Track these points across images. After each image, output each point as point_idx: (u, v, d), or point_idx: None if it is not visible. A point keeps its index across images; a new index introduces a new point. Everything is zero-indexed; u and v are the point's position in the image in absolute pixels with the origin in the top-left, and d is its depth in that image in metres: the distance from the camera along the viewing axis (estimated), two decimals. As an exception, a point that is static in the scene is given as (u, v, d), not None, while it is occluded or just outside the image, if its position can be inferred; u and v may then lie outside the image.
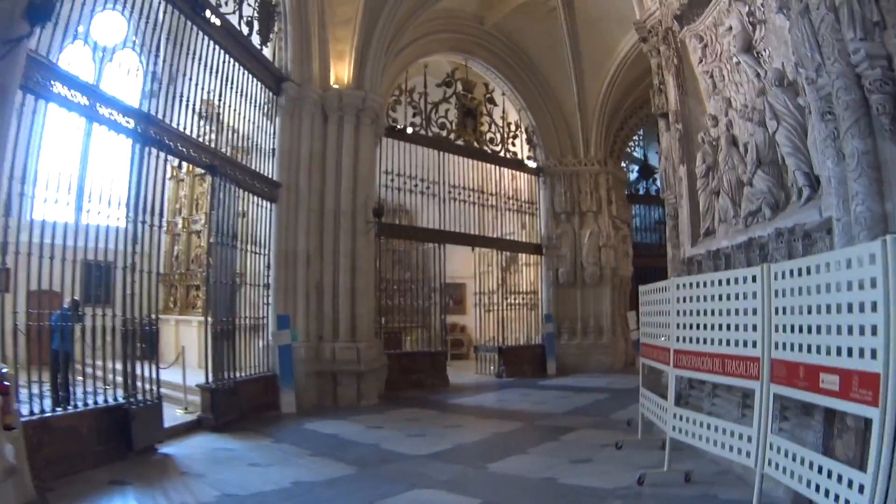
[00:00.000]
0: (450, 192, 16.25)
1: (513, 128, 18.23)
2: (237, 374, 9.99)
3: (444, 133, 16.24)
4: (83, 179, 7.34)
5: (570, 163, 18.31)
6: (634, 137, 20.59)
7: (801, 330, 4.09)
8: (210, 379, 9.27)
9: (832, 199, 4.90)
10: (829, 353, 3.72)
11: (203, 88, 9.67)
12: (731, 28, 7.76)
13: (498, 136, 17.75)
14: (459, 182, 16.60)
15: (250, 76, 10.93)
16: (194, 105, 9.40)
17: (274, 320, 11.21)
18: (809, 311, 3.99)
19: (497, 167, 17.78)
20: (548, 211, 18.38)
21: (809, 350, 3.95)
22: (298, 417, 10.31)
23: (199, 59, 9.53)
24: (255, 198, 11.18)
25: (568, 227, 18.06)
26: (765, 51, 7.07)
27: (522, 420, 10.18)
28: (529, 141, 18.54)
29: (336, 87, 12.53)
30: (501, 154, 17.76)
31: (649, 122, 20.47)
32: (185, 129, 9.05)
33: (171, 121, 8.67)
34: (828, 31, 4.71)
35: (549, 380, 15.73)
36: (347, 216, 12.43)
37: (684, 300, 6.13)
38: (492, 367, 16.66)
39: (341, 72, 12.62)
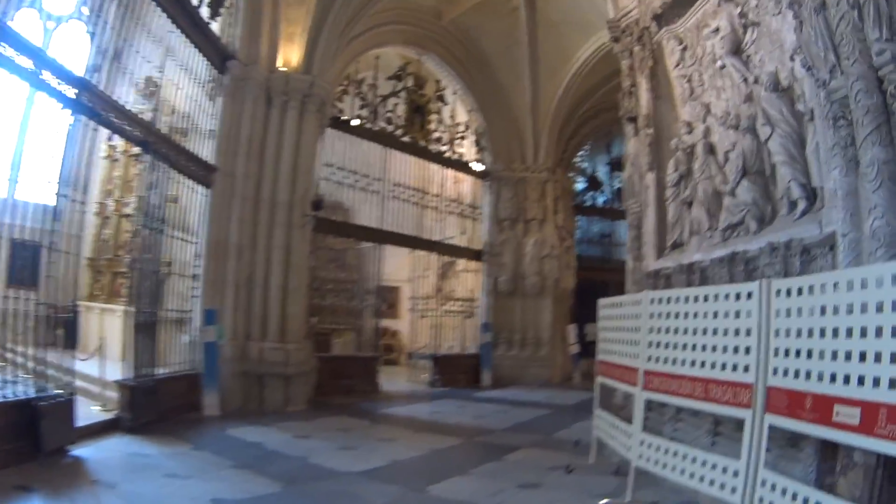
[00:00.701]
0: (392, 191, 15.99)
1: (462, 128, 18.09)
2: (159, 371, 9.46)
3: (391, 128, 15.97)
4: (20, 151, 6.79)
5: (518, 168, 18.26)
6: (584, 148, 20.70)
7: (808, 355, 3.83)
8: (130, 375, 8.74)
9: (837, 212, 4.76)
10: (847, 382, 3.45)
11: (149, 62, 9.21)
12: (717, 30, 7.68)
13: (445, 135, 17.58)
14: (402, 180, 16.36)
15: (196, 51, 10.44)
16: (136, 79, 8.92)
17: (201, 314, 10.71)
18: (822, 335, 3.71)
19: (442, 168, 17.60)
20: (491, 217, 18.28)
21: (820, 378, 3.68)
22: (222, 421, 9.84)
23: (147, 29, 9.05)
24: (190, 182, 10.66)
25: (511, 234, 18.01)
26: (755, 54, 7.00)
27: (460, 435, 9.95)
28: (478, 143, 18.41)
29: (283, 69, 12.11)
30: (448, 155, 17.59)
31: (600, 133, 20.76)
32: (124, 102, 8.54)
33: (113, 93, 8.18)
34: (848, 29, 4.54)
35: (484, 391, 15.61)
36: (284, 208, 12.02)
37: (659, 316, 5.88)
38: (424, 376, 16.44)
39: (290, 55, 12.20)
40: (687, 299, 5.49)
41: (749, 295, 4.55)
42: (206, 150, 11.16)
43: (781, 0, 6.45)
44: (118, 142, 14.12)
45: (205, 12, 10.53)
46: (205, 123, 11.21)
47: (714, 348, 4.92)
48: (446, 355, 16.73)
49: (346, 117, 14.75)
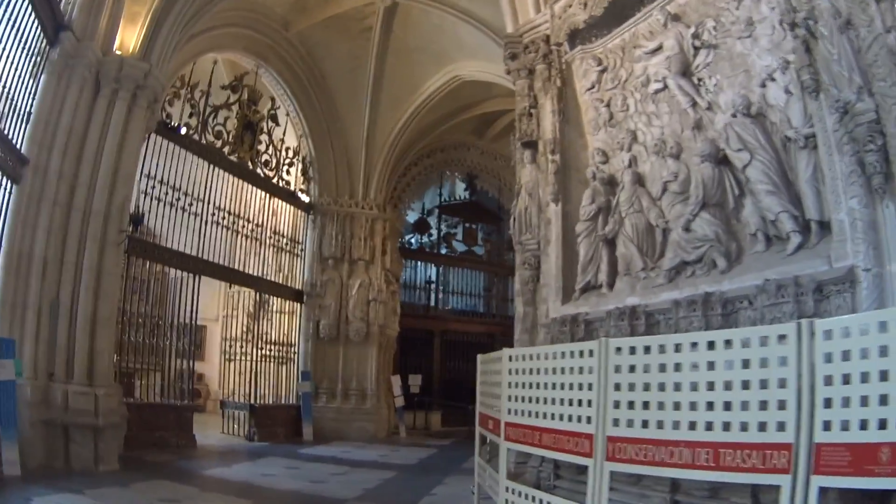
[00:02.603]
0: (213, 215, 14.35)
1: (290, 154, 16.83)
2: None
3: (219, 144, 14.40)
4: None
5: (346, 203, 17.35)
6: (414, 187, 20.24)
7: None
8: None
9: (854, 245, 4.59)
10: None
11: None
12: (658, 50, 7.49)
13: (274, 160, 16.24)
14: (224, 204, 14.77)
15: (29, 8, 8.51)
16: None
17: (-6, 345, 8.53)
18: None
19: (267, 195, 16.18)
20: (314, 254, 17.14)
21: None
22: (23, 484, 7.75)
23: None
24: (-3, 174, 8.58)
25: (335, 274, 16.93)
26: (709, 78, 6.83)
27: (307, 509, 8.67)
28: (304, 172, 17.28)
29: (119, 53, 10.35)
30: (275, 181, 16.23)
31: (433, 173, 20.43)
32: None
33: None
34: (883, 52, 4.46)
35: (308, 447, 14.19)
36: (99, 219, 10.16)
37: (620, 371, 4.74)
38: (235, 427, 14.70)
39: (129, 38, 10.50)
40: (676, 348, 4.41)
41: (781, 338, 3.84)
42: (18, 138, 9.10)
43: (754, 23, 6.39)
44: None
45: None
46: (23, 103, 9.15)
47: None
48: (265, 406, 15.11)
49: (174, 124, 13.02)
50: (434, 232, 21.07)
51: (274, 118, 16.16)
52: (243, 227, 15.42)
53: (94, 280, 10.02)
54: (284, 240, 16.84)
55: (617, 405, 4.59)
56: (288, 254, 16.99)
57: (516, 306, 9.24)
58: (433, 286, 20.81)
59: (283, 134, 16.60)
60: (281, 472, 11.04)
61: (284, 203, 16.77)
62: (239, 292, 16.96)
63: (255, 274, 15.73)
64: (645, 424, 4.36)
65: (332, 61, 16.52)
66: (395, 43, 15.90)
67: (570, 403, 4.98)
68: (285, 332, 16.65)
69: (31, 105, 9.42)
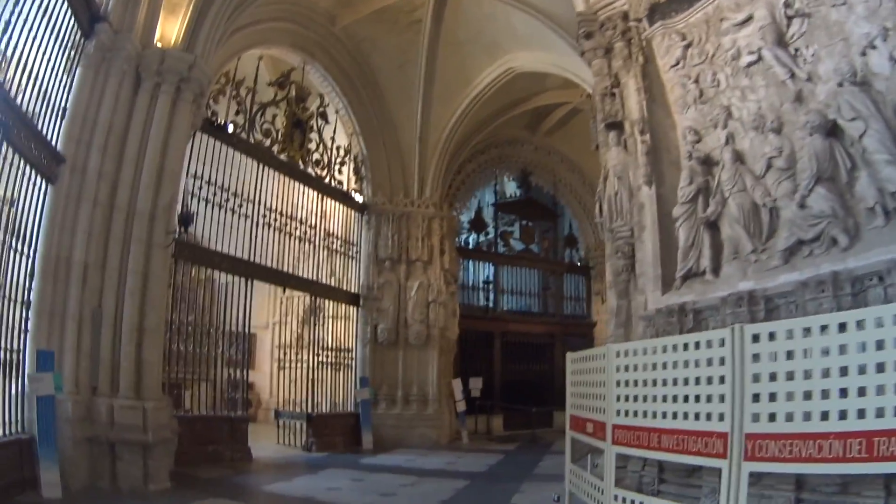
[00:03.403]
0: (264, 217, 13.47)
1: (341, 153, 15.90)
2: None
3: (268, 142, 13.53)
4: None
5: (402, 202, 16.35)
6: (466, 185, 19.21)
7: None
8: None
9: None
10: None
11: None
12: (747, 21, 6.80)
13: (325, 159, 15.32)
14: (276, 206, 13.89)
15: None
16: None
17: (33, 357, 7.69)
18: None
19: (319, 195, 15.26)
20: (370, 256, 16.13)
21: None
22: (64, 510, 6.94)
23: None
24: (29, 171, 7.75)
25: (392, 276, 15.92)
26: (806, 48, 6.17)
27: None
28: (357, 172, 16.33)
29: (159, 45, 9.53)
30: (327, 181, 15.30)
31: (487, 170, 19.42)
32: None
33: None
34: None
35: (370, 457, 13.20)
36: (143, 220, 9.35)
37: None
38: (291, 438, 13.78)
39: (170, 31, 9.74)
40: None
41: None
42: (53, 135, 8.31)
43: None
44: None
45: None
46: (58, 98, 8.37)
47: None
48: (322, 415, 14.16)
49: (220, 122, 12.17)
50: (491, 230, 19.89)
51: (323, 116, 15.25)
52: (296, 229, 14.48)
53: (139, 285, 9.22)
54: (338, 242, 15.87)
55: (756, 398, 4.07)
56: (342, 256, 16.03)
57: (608, 299, 8.63)
58: (491, 286, 19.62)
59: (334, 132, 15.68)
60: (346, 484, 10.11)
61: (337, 203, 15.82)
62: (290, 297, 16.13)
63: (309, 278, 14.77)
64: (789, 418, 3.87)
65: (380, 56, 15.58)
66: (445, 35, 14.89)
67: (697, 400, 4.49)
68: (339, 337, 15.68)
69: (67, 101, 8.65)
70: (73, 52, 8.58)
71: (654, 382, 4.96)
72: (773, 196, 6.32)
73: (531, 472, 11.40)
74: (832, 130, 5.81)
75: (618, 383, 5.42)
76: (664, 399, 4.83)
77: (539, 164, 21.02)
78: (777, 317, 5.67)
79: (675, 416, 4.70)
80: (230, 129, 12.43)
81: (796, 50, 6.30)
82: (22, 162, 7.61)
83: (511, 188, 20.91)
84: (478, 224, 19.61)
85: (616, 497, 5.31)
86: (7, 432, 7.29)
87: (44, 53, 8.00)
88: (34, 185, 7.98)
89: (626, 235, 7.94)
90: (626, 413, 5.27)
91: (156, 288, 9.47)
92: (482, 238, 19.71)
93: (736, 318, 5.90)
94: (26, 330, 7.86)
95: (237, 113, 12.81)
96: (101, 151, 8.90)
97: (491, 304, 19.59)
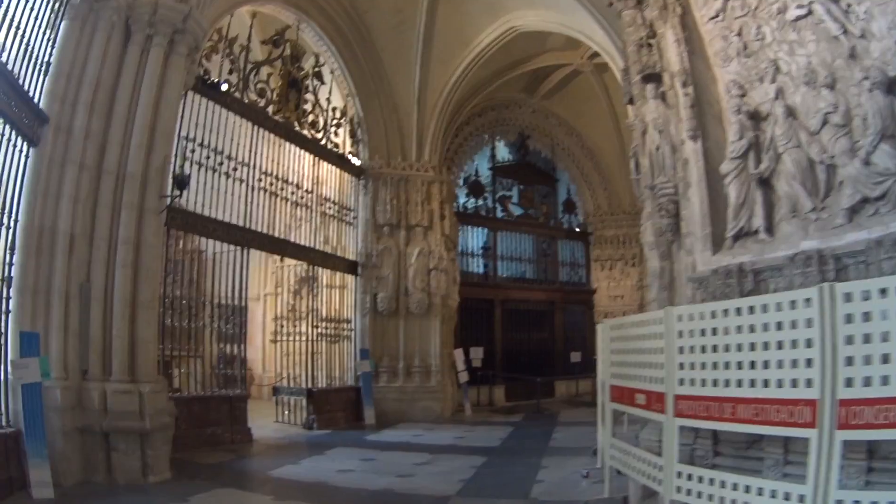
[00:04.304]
0: (259, 181, 12.41)
1: (337, 115, 14.80)
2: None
3: (263, 103, 12.41)
4: None
5: (400, 166, 15.34)
6: (464, 148, 18.19)
7: None
8: None
9: None
10: None
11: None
12: None
13: (322, 120, 14.22)
14: (271, 170, 12.82)
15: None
16: None
17: (15, 341, 6.70)
18: None
19: (317, 159, 14.19)
20: (367, 222, 15.12)
21: None
22: (56, 511, 6.02)
23: None
24: (9, 132, 6.70)
25: (392, 242, 14.97)
26: (858, 4, 5.53)
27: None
28: (353, 134, 15.26)
29: (151, -7, 8.41)
30: (323, 143, 14.22)
31: (485, 131, 18.48)
32: None
33: None
34: None
35: (374, 433, 12.38)
36: (135, 184, 8.33)
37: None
38: (288, 414, 12.91)
39: (161, -23, 8.54)
40: None
41: None
42: (36, 93, 7.26)
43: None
44: None
45: None
46: (41, 52, 7.35)
47: None
48: (324, 390, 13.25)
49: (213, 80, 11.05)
50: (488, 195, 18.90)
51: (319, 76, 14.11)
52: (292, 194, 13.42)
53: (131, 256, 8.24)
54: (335, 207, 14.84)
55: (849, 361, 3.68)
56: (339, 222, 15.02)
57: (649, 261, 7.73)
58: (489, 252, 18.69)
59: (329, 93, 14.56)
60: (358, 465, 9.30)
61: (333, 167, 14.76)
62: (282, 267, 15.13)
63: (307, 245, 13.76)
64: (885, 381, 3.49)
65: (377, 15, 14.49)
66: (446, -5, 13.83)
67: (780, 366, 4.04)
68: (336, 307, 14.73)
69: (50, 56, 7.56)
70: (57, 3, 7.53)
71: (726, 348, 4.50)
72: (830, 153, 5.79)
73: (546, 446, 10.78)
74: (891, 87, 5.26)
75: (681, 350, 4.93)
76: (739, 366, 4.36)
77: (537, 127, 20.14)
78: (846, 277, 5.12)
79: (752, 383, 4.26)
80: (223, 88, 11.29)
81: (848, 5, 5.68)
82: (1, 122, 6.57)
83: (504, 153, 19.94)
84: (475, 188, 18.60)
85: (680, 474, 4.82)
86: (-12, 427, 6.36)
87: (25, 4, 6.97)
88: (14, 147, 6.92)
89: (669, 193, 7.19)
90: (692, 382, 4.78)
91: (149, 258, 8.48)
92: (479, 203, 18.69)
93: (805, 278, 5.35)
94: (7, 310, 6.86)
95: (230, 72, 11.64)
96: (87, 110, 7.90)
97: (490, 271, 18.69)
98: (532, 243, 20.04)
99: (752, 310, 4.36)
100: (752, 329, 4.32)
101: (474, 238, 18.50)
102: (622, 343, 6.45)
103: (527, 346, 18.66)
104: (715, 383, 4.54)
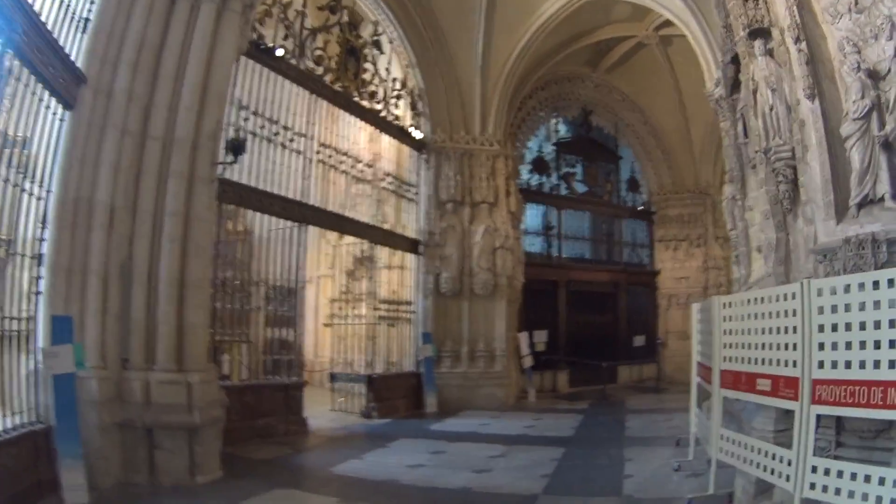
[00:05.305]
0: (318, 153, 11.33)
1: (397, 86, 13.63)
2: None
3: (321, 71, 11.30)
4: None
5: (463, 139, 14.11)
6: (527, 122, 16.86)
7: None
8: None
9: None
10: None
11: None
12: None
13: (381, 90, 13.06)
14: (331, 141, 11.74)
15: None
16: None
17: (46, 325, 5.73)
18: None
19: (377, 132, 13.07)
20: (430, 198, 13.94)
21: None
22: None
23: None
24: (43, 94, 5.72)
25: (455, 220, 13.77)
26: None
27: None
28: (413, 107, 14.06)
29: (198, -60, 7.32)
30: (383, 115, 13.07)
31: (547, 106, 17.14)
32: None
33: None
34: None
35: (437, 422, 11.31)
36: (185, 150, 7.29)
37: None
38: (344, 402, 11.87)
39: (210, -78, 7.46)
40: None
41: None
42: (73, 51, 6.25)
43: None
44: None
45: None
46: (79, 7, 6.38)
47: None
48: (384, 376, 12.16)
49: (269, 45, 9.97)
50: (553, 172, 17.53)
51: (377, 45, 12.95)
52: (351, 167, 12.32)
53: (180, 230, 7.21)
54: (396, 182, 13.70)
55: None
56: (398, 198, 13.88)
57: (764, 231, 6.81)
58: (553, 231, 17.38)
59: (389, 63, 13.39)
60: (427, 459, 8.26)
61: (393, 140, 13.60)
62: (337, 246, 14.07)
63: (367, 222, 12.67)
64: None
65: (437, -19, 13.23)
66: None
67: None
68: (395, 289, 13.63)
69: (90, 11, 6.53)
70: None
71: (876, 325, 3.84)
72: None
73: (623, 435, 9.81)
74: None
75: (821, 328, 4.31)
76: (892, 344, 3.71)
77: (600, 102, 18.73)
78: None
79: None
80: (279, 53, 10.20)
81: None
82: (34, 82, 5.59)
83: (565, 129, 18.53)
84: (539, 165, 17.24)
85: (815, 468, 4.19)
86: (16, 424, 5.40)
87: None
88: (48, 110, 5.93)
89: (786, 156, 6.25)
90: (835, 364, 4.15)
91: (199, 233, 7.44)
92: (543, 179, 17.33)
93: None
94: (38, 291, 5.88)
95: (286, 38, 10.55)
96: (131, 70, 6.89)
97: (555, 251, 17.39)
98: (594, 222, 18.71)
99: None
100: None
101: (535, 217, 17.15)
102: (737, 323, 5.72)
103: (590, 330, 17.32)
104: (862, 365, 3.91)
